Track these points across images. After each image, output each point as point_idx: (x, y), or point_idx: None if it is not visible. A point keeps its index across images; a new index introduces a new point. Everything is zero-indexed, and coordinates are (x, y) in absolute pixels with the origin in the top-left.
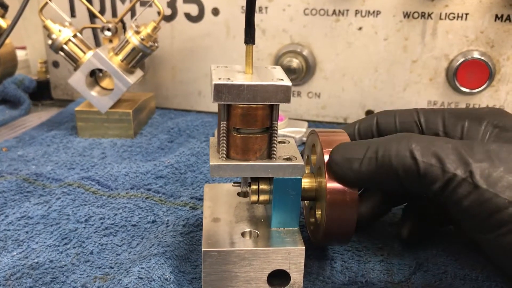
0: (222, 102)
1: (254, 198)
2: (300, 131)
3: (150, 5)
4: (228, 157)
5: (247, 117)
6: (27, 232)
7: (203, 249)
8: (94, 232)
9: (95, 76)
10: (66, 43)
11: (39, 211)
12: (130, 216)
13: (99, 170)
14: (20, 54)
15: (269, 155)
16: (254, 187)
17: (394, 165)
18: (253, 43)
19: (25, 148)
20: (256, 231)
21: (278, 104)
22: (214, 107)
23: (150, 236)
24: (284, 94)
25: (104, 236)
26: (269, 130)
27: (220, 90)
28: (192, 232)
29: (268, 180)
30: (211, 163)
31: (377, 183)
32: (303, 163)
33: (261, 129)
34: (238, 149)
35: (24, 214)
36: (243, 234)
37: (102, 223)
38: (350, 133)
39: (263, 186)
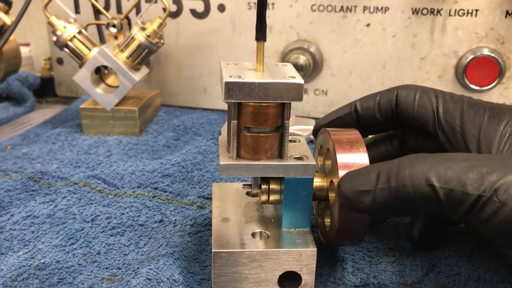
0: (233, 101)
1: (264, 198)
2: (307, 129)
3: (156, 1)
4: (238, 156)
5: (258, 116)
6: (33, 232)
7: (213, 250)
8: (101, 232)
9: (100, 73)
10: (71, 40)
11: (44, 210)
12: (137, 215)
13: (105, 169)
14: (24, 51)
15: (280, 155)
16: (264, 186)
17: (411, 195)
18: (265, 40)
19: (30, 145)
20: (267, 231)
21: (290, 103)
22: (220, 105)
23: (158, 236)
24: (296, 92)
25: (111, 236)
26: (281, 129)
27: (231, 88)
28: (201, 232)
29: (279, 180)
30: (221, 163)
31: (393, 212)
32: (314, 163)
33: (272, 128)
34: (248, 148)
35: (30, 213)
36: (253, 235)
37: (109, 222)
38: (370, 107)
39: (273, 186)
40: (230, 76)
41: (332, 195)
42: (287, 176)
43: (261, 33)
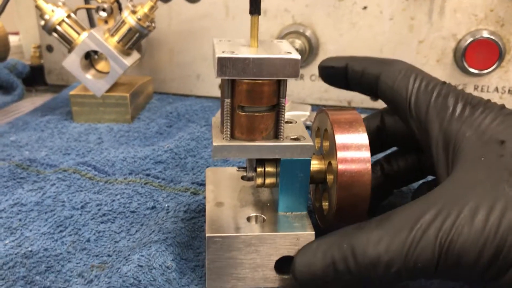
0: (226, 77)
1: (259, 181)
2: (303, 114)
3: None
4: (232, 137)
5: (252, 94)
6: (20, 220)
7: (206, 235)
8: (91, 219)
9: (90, 58)
10: (59, 24)
11: (32, 197)
12: (128, 202)
13: (96, 156)
14: (13, 39)
15: (276, 135)
16: (259, 169)
17: (377, 280)
18: (259, 13)
19: (18, 133)
20: (262, 215)
21: (286, 80)
22: (213, 92)
23: (150, 222)
24: (293, 68)
25: (102, 223)
26: (276, 108)
27: (224, 64)
28: (194, 218)
29: (275, 162)
30: (214, 144)
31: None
32: (312, 143)
33: (267, 106)
34: (243, 129)
35: (17, 201)
36: (248, 219)
37: (99, 209)
38: (357, 73)
39: (269, 169)
40: (223, 52)
41: (330, 177)
42: (283, 158)
43: (255, 6)
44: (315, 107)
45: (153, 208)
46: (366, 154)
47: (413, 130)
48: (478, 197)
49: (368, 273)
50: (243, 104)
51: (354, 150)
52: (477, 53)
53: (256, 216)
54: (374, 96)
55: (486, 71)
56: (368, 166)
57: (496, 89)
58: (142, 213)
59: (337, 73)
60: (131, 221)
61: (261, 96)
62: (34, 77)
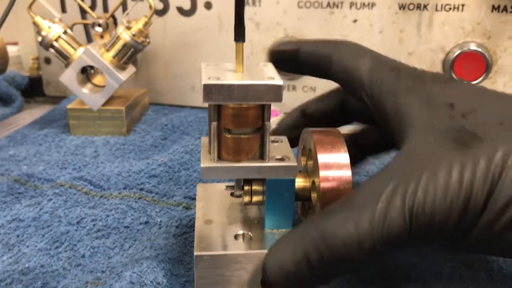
0: (213, 103)
1: (246, 199)
2: None
3: (142, 0)
4: (219, 158)
5: (238, 118)
6: (18, 236)
7: (195, 253)
8: (86, 235)
9: (86, 72)
10: (56, 40)
11: (30, 213)
12: (122, 217)
13: (92, 170)
14: (12, 50)
15: (262, 156)
16: (246, 187)
17: (353, 262)
18: (243, 40)
19: (17, 147)
20: (250, 233)
21: (270, 104)
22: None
23: (143, 238)
24: (275, 93)
25: (96, 238)
26: (261, 130)
27: (209, 91)
28: (185, 233)
29: (261, 181)
30: (202, 165)
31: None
32: (296, 164)
33: (252, 129)
34: (229, 150)
35: (15, 216)
36: (236, 237)
37: (94, 225)
38: (310, 55)
39: (256, 187)
40: (209, 78)
41: (314, 195)
42: (268, 178)
43: (239, 34)
44: None
45: (146, 223)
46: (347, 173)
47: (369, 107)
48: (436, 159)
49: (342, 256)
50: (229, 127)
51: (336, 169)
52: (465, 65)
53: (244, 234)
54: (326, 78)
55: (474, 82)
56: (350, 185)
57: None
58: (136, 228)
59: (288, 57)
60: (125, 237)
61: (246, 120)
62: (33, 88)
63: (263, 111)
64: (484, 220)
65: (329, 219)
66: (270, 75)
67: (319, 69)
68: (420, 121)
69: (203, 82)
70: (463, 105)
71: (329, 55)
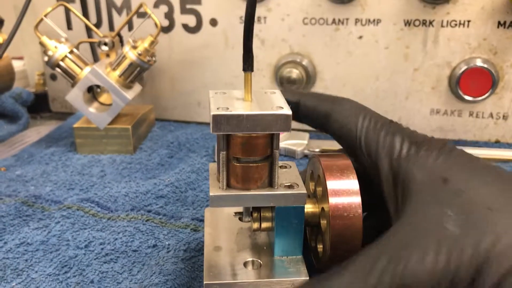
0: (221, 133)
1: (256, 225)
2: (301, 143)
3: (149, 17)
4: (228, 186)
5: (247, 146)
6: (26, 260)
7: (204, 282)
8: (95, 259)
9: (93, 91)
10: (62, 60)
11: (38, 236)
12: (130, 240)
13: (99, 191)
14: (17, 64)
15: (270, 183)
16: (255, 214)
17: None
18: (252, 70)
19: (24, 167)
20: (259, 260)
21: (279, 133)
22: None
23: (151, 262)
24: (284, 122)
25: (105, 263)
26: (270, 158)
27: (218, 121)
28: (194, 257)
29: (270, 207)
30: (211, 194)
31: None
32: (305, 191)
33: (261, 157)
34: (238, 178)
35: (23, 240)
36: (245, 264)
37: (102, 248)
38: (309, 109)
39: (264, 214)
40: (217, 109)
41: (323, 221)
42: (277, 205)
43: (248, 63)
44: (313, 134)
45: (154, 247)
46: (357, 199)
47: (364, 166)
48: (425, 239)
49: None
50: (238, 156)
51: (345, 196)
52: (471, 81)
53: (253, 261)
54: (325, 133)
55: (480, 98)
56: (359, 212)
57: (491, 115)
58: (144, 252)
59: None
60: (133, 261)
61: (255, 149)
62: (39, 104)
63: (272, 140)
64: None
65: (327, 281)
66: (279, 104)
67: (319, 124)
68: (417, 194)
69: (212, 113)
70: (456, 182)
71: (329, 113)
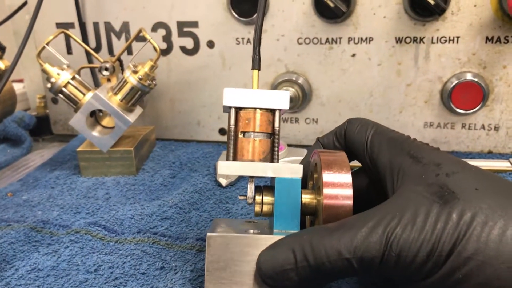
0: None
1: (257, 208)
2: (299, 160)
3: (149, 41)
4: (235, 159)
5: (253, 122)
6: (38, 286)
7: (207, 234)
8: (105, 283)
9: (95, 115)
10: (65, 86)
11: (48, 261)
12: (138, 263)
13: (105, 214)
14: (17, 87)
15: (272, 159)
16: (258, 198)
17: (331, 269)
18: (259, 69)
19: (30, 191)
20: (259, 229)
21: (280, 111)
22: (213, 136)
23: (160, 284)
24: (283, 100)
25: (115, 286)
26: (272, 136)
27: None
28: (201, 276)
29: (272, 193)
30: (219, 161)
31: (322, 283)
32: (302, 166)
33: (264, 133)
34: (244, 151)
35: (34, 266)
36: (247, 231)
37: (111, 272)
38: (330, 140)
39: (266, 198)
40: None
41: (319, 211)
42: (277, 176)
43: (255, 62)
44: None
45: (162, 269)
46: (349, 191)
47: (368, 165)
48: (418, 205)
49: (322, 261)
50: (244, 131)
51: (338, 188)
52: (463, 94)
53: (254, 223)
54: (344, 150)
55: (472, 110)
56: (350, 202)
57: (483, 127)
58: (152, 274)
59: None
60: (142, 283)
61: (260, 124)
62: (40, 127)
63: (273, 118)
64: (447, 267)
65: (319, 231)
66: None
67: (339, 144)
68: (411, 174)
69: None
70: (448, 166)
71: (343, 131)
